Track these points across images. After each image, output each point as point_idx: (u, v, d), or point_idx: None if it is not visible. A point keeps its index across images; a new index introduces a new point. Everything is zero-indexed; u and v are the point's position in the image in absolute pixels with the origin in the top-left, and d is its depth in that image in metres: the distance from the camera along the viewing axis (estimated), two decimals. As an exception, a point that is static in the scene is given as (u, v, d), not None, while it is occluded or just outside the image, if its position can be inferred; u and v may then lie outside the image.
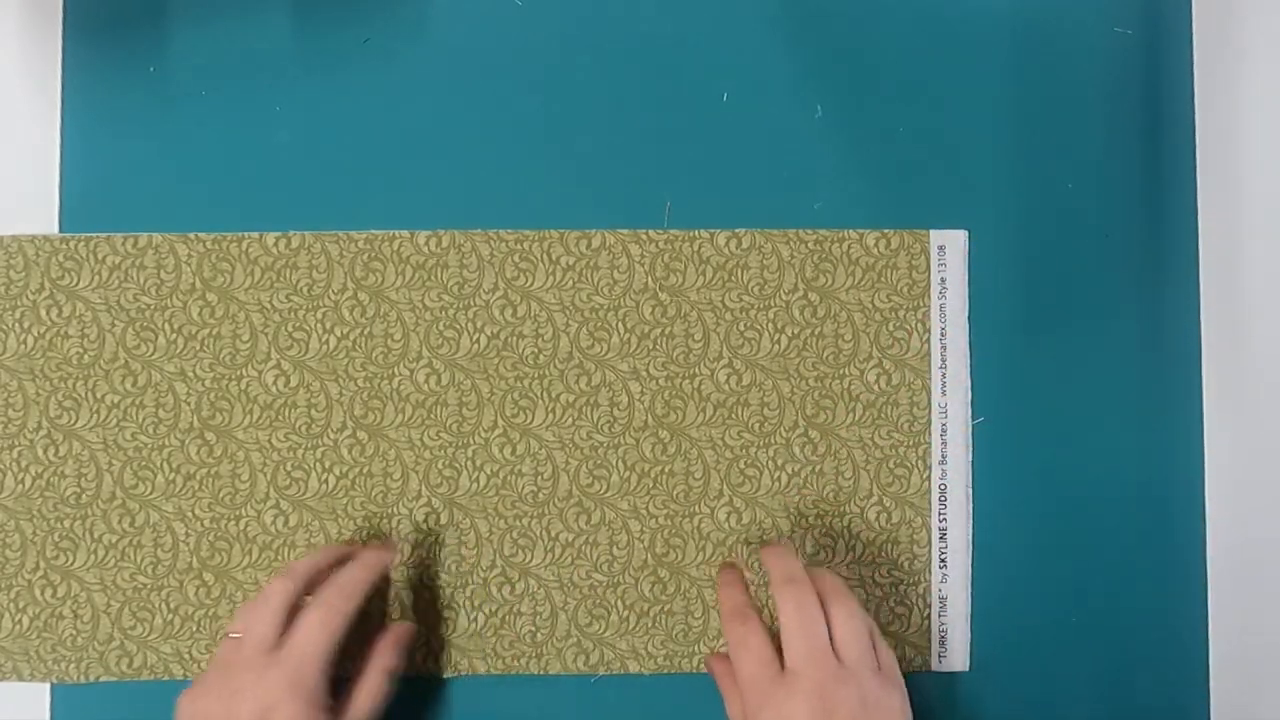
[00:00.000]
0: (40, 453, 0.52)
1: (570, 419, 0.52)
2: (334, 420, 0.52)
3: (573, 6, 0.54)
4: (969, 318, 0.54)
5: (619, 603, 0.52)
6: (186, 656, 0.52)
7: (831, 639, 0.44)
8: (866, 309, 0.53)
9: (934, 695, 0.53)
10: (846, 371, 0.53)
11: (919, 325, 0.53)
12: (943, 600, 0.53)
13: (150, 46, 0.54)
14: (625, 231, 0.53)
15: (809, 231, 0.54)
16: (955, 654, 0.53)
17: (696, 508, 0.52)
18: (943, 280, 0.54)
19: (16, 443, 0.52)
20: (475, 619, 0.52)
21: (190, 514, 0.52)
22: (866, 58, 0.55)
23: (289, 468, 0.52)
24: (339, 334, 0.53)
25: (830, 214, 0.54)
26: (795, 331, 0.53)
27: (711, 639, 0.52)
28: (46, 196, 0.53)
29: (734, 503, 0.52)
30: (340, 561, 0.48)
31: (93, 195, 0.53)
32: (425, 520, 0.52)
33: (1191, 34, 0.55)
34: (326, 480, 0.52)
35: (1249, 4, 0.56)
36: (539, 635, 0.52)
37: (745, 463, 0.53)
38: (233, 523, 0.52)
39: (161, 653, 0.52)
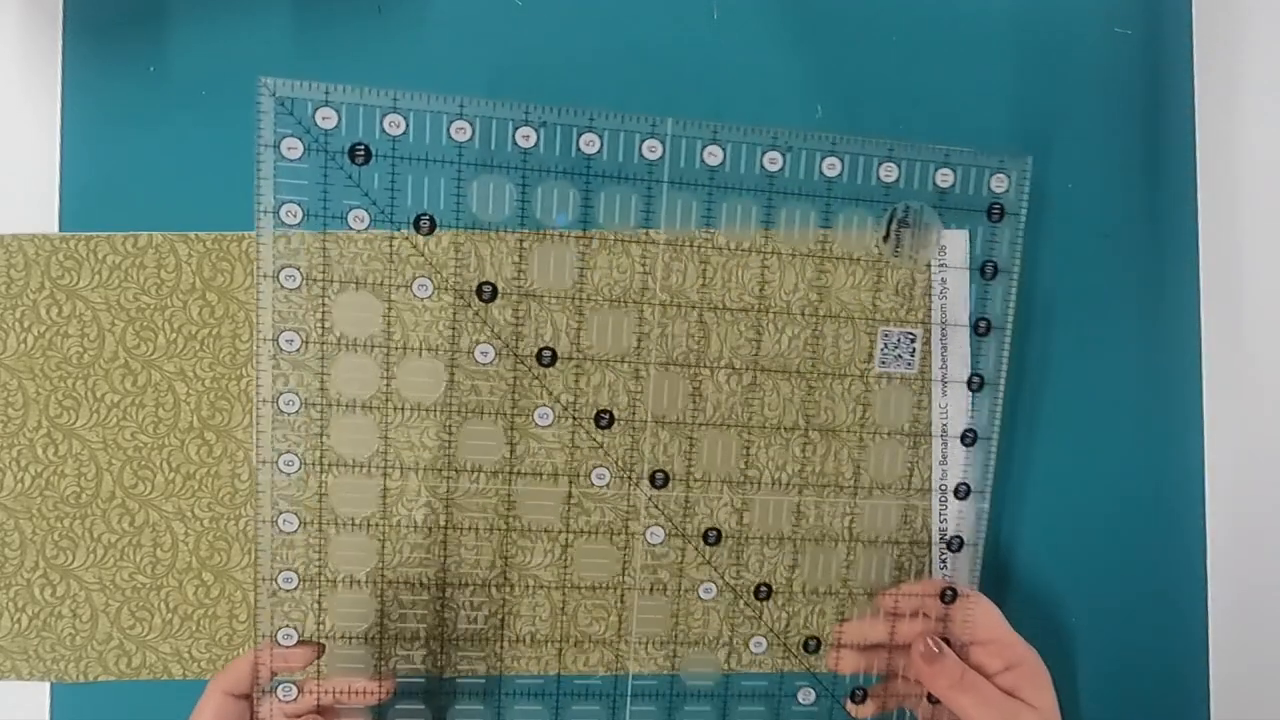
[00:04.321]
0: (40, 452, 0.52)
1: (569, 420, 0.52)
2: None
3: (573, 7, 0.55)
4: (969, 318, 0.54)
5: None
6: (186, 656, 0.52)
7: None
8: (866, 309, 0.53)
9: (934, 695, 0.53)
10: (847, 372, 0.53)
11: (919, 325, 0.53)
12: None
13: (150, 46, 0.54)
14: (625, 231, 0.53)
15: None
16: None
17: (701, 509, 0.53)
18: (943, 280, 0.54)
19: (16, 442, 0.52)
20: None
21: (190, 513, 0.52)
22: (866, 58, 0.55)
23: (289, 467, 0.52)
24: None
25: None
26: (795, 331, 0.53)
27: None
28: (46, 196, 0.53)
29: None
30: None
31: (93, 195, 0.53)
32: (424, 521, 0.52)
33: (1191, 34, 0.55)
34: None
35: (1249, 4, 0.56)
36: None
37: (745, 463, 0.53)
38: (232, 522, 0.52)
39: (160, 652, 0.52)
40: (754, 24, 0.55)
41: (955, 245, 0.54)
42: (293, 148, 0.42)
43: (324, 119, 0.42)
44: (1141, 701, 0.53)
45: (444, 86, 0.54)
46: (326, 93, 0.41)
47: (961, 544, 0.50)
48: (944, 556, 0.53)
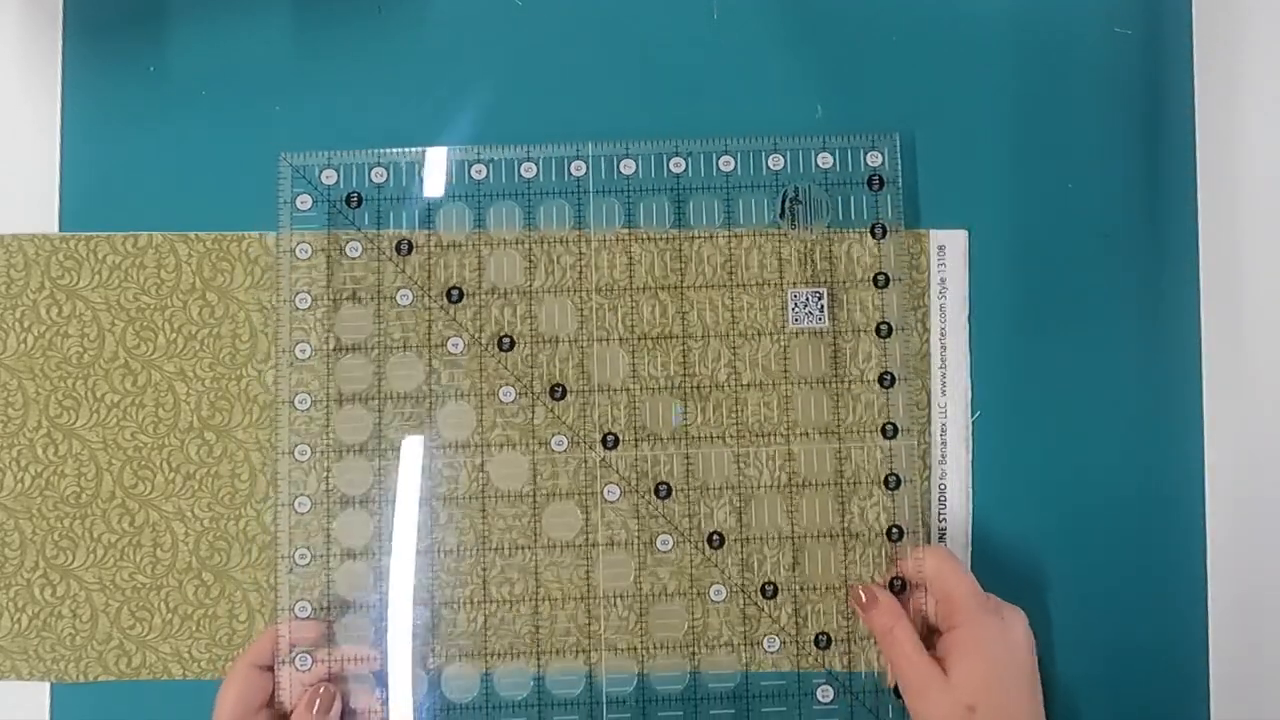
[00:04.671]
0: (40, 452, 0.52)
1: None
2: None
3: (573, 7, 0.55)
4: (969, 318, 0.54)
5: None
6: (186, 656, 0.52)
7: None
8: (858, 318, 0.53)
9: None
10: (839, 387, 0.53)
11: (919, 325, 0.53)
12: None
13: (150, 46, 0.54)
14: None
15: (793, 238, 0.54)
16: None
17: (698, 507, 0.53)
18: (943, 280, 0.54)
19: (16, 442, 0.52)
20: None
21: (190, 513, 0.52)
22: (866, 58, 0.55)
23: (289, 467, 0.52)
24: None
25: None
26: (781, 346, 0.53)
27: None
28: (46, 196, 0.53)
29: (733, 502, 0.52)
30: None
31: (93, 195, 0.53)
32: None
33: (1191, 34, 0.55)
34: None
35: (1249, 4, 0.56)
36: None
37: (745, 463, 0.53)
38: (232, 522, 0.52)
39: (160, 652, 0.52)
40: (754, 24, 0.55)
41: (955, 245, 0.54)
42: (304, 201, 0.52)
43: (327, 177, 0.52)
44: (1141, 702, 0.53)
45: (444, 86, 0.54)
46: (329, 158, 0.52)
47: (899, 482, 0.52)
48: (884, 497, 0.53)
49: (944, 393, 0.54)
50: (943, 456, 0.53)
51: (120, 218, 0.53)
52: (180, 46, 0.54)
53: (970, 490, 0.53)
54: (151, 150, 0.54)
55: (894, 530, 0.52)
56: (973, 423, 0.54)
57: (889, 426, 0.52)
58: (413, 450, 0.52)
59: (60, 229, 0.53)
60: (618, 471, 0.51)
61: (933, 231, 0.54)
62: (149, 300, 0.53)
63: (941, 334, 0.54)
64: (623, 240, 0.52)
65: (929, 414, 0.53)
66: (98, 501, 0.52)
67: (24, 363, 0.52)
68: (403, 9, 0.54)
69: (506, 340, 0.51)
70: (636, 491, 0.51)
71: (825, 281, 0.52)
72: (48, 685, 0.52)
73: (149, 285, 0.53)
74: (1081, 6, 0.55)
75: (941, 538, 0.53)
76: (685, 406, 0.52)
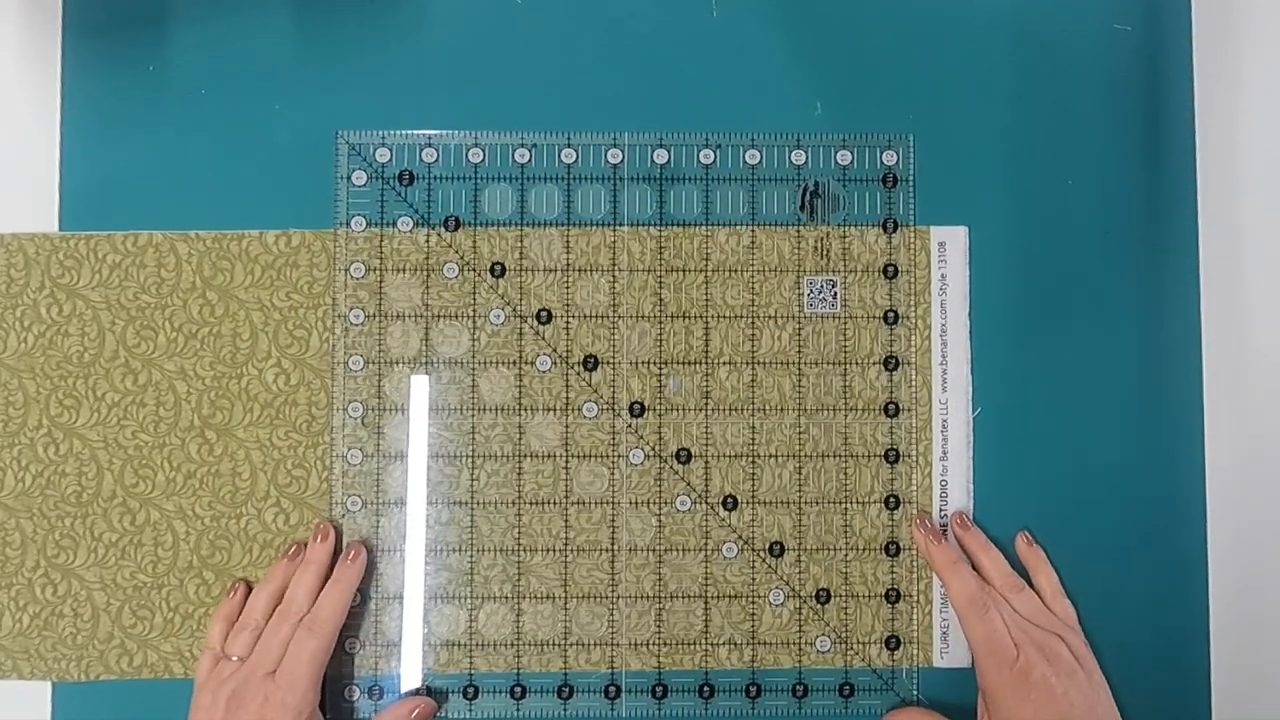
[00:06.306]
0: (41, 451, 0.52)
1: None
2: (335, 418, 0.53)
3: (573, 7, 0.55)
4: (969, 314, 0.54)
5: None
6: (187, 655, 0.52)
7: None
8: (868, 305, 0.54)
9: (936, 691, 0.53)
10: (848, 368, 0.53)
11: (919, 321, 0.54)
12: (944, 596, 0.53)
13: (150, 46, 0.54)
14: (625, 228, 0.54)
15: (810, 228, 0.54)
16: (957, 650, 0.53)
17: (697, 506, 0.53)
18: (943, 277, 0.54)
19: (17, 441, 0.52)
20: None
21: (191, 512, 0.52)
22: (866, 56, 0.55)
23: (289, 466, 0.52)
24: (339, 331, 0.53)
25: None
26: (796, 328, 0.53)
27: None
28: (46, 195, 0.53)
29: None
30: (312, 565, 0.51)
31: (93, 194, 0.53)
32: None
33: (1191, 31, 0.55)
34: (327, 478, 0.52)
35: (1249, 3, 0.56)
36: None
37: (746, 460, 0.53)
38: (233, 521, 0.52)
39: (162, 651, 0.52)
40: (754, 22, 0.55)
41: (955, 242, 0.54)
42: (359, 178, 0.54)
43: (381, 155, 0.54)
44: (1142, 701, 0.53)
45: (444, 86, 0.54)
46: (383, 137, 0.54)
47: (898, 456, 0.54)
48: (888, 470, 0.54)
49: (945, 388, 0.54)
50: (944, 452, 0.53)
51: (120, 217, 0.53)
52: (180, 46, 0.54)
53: (970, 487, 0.54)
54: (151, 150, 0.54)
55: (891, 499, 0.54)
56: (973, 419, 0.54)
57: (891, 405, 0.54)
58: (457, 411, 0.54)
59: (60, 229, 0.53)
60: (642, 437, 0.54)
61: (933, 228, 0.54)
62: (149, 299, 0.53)
63: (942, 330, 0.54)
64: (654, 225, 0.55)
65: (930, 410, 0.53)
66: (99, 500, 0.52)
67: (24, 362, 0.52)
68: (403, 8, 0.54)
69: (545, 313, 0.54)
70: (659, 456, 0.54)
71: (839, 270, 0.54)
72: (49, 684, 0.52)
73: (149, 284, 0.53)
74: (1081, 3, 0.55)
75: (941, 532, 0.53)
76: (680, 381, 0.54)
